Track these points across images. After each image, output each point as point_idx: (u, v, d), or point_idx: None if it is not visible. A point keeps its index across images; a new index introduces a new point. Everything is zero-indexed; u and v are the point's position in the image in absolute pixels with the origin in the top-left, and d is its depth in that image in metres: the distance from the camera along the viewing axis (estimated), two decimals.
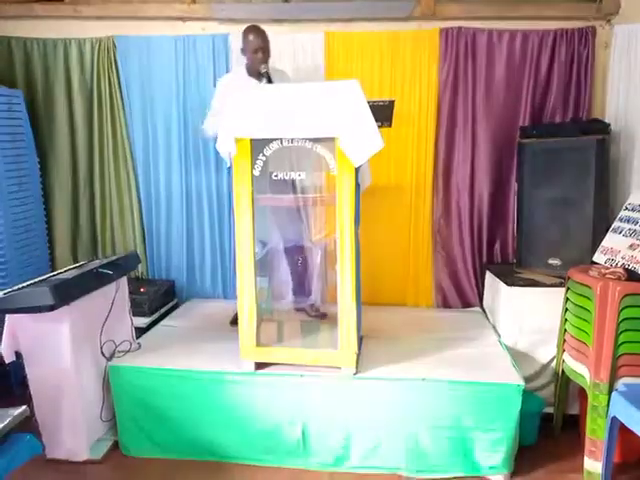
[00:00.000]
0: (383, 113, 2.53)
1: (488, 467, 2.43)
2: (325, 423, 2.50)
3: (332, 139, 2.28)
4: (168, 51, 3.44)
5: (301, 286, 3.11)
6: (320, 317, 3.00)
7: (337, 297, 2.44)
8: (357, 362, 2.48)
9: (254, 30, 2.91)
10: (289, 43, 3.33)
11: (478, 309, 3.42)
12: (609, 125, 2.92)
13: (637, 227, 2.55)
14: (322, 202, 2.64)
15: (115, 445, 2.68)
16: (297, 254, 2.99)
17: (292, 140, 2.35)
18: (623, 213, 2.70)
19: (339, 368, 2.47)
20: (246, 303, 2.48)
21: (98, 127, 3.56)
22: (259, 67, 2.82)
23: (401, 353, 2.68)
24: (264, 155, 2.38)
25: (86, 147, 3.60)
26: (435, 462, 2.46)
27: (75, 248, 3.73)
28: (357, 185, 2.41)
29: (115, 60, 3.47)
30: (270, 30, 3.32)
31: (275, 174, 2.47)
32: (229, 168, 2.46)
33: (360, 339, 2.64)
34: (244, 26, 3.35)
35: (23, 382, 2.51)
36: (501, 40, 3.24)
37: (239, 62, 3.37)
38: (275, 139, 2.35)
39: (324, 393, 2.49)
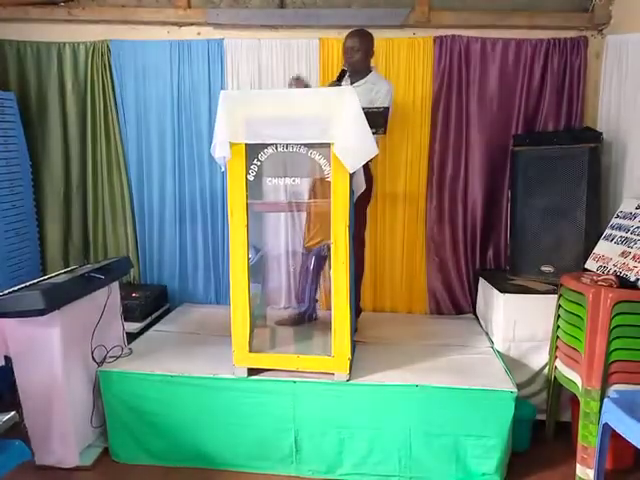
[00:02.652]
0: (377, 120, 2.52)
1: (481, 474, 2.43)
2: (318, 430, 2.49)
3: (327, 145, 2.29)
4: (163, 55, 3.43)
5: (294, 292, 3.12)
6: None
7: (331, 303, 2.44)
8: (350, 368, 2.48)
9: (349, 33, 2.86)
10: (284, 49, 3.33)
11: (471, 316, 3.43)
12: (601, 134, 2.95)
13: (628, 234, 2.57)
14: (316, 208, 2.64)
15: (105, 452, 2.65)
16: (290, 260, 2.99)
17: (287, 146, 2.35)
18: (615, 221, 2.73)
19: (332, 374, 2.46)
20: (239, 308, 2.47)
21: (91, 131, 3.54)
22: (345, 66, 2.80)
23: (394, 359, 2.67)
24: (259, 160, 2.38)
25: (79, 151, 3.58)
26: (428, 469, 2.45)
27: (66, 252, 3.71)
28: (351, 191, 2.42)
29: (109, 64, 3.45)
30: (265, 36, 3.35)
31: (269, 179, 2.47)
32: (223, 173, 2.45)
33: (353, 345, 2.63)
34: (239, 31, 3.38)
35: (12, 387, 2.48)
36: (494, 49, 3.26)
37: (234, 66, 3.39)
38: (270, 144, 2.36)
39: (317, 399, 2.47)
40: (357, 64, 2.81)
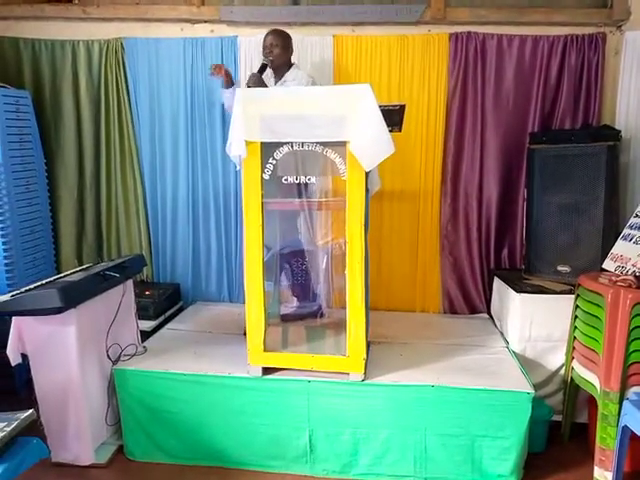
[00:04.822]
0: (393, 118, 2.51)
1: (497, 475, 2.41)
2: (332, 429, 2.48)
3: (343, 143, 2.27)
4: (176, 53, 3.43)
5: (307, 291, 3.10)
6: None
7: (345, 302, 2.43)
8: (365, 368, 2.46)
9: (267, 32, 2.99)
10: (298, 46, 3.30)
11: (485, 315, 3.41)
12: (619, 132, 2.91)
13: None
14: (331, 207, 2.63)
15: (120, 449, 2.66)
16: (304, 258, 2.97)
17: (302, 144, 2.34)
18: (633, 220, 2.68)
19: (347, 374, 2.45)
20: (254, 307, 2.47)
21: (105, 129, 3.55)
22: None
23: (409, 359, 2.66)
24: (274, 159, 2.37)
25: (93, 149, 3.59)
26: (443, 469, 2.44)
27: (80, 250, 3.72)
28: (367, 190, 2.40)
29: (123, 62, 3.46)
30: None
31: (285, 178, 2.45)
32: (237, 171, 2.44)
33: (368, 345, 2.61)
34: (252, 28, 3.37)
35: (28, 384, 2.50)
36: (511, 45, 3.22)
37: (247, 64, 3.39)
38: (285, 143, 2.34)
39: (332, 399, 2.46)
40: (277, 59, 2.94)
